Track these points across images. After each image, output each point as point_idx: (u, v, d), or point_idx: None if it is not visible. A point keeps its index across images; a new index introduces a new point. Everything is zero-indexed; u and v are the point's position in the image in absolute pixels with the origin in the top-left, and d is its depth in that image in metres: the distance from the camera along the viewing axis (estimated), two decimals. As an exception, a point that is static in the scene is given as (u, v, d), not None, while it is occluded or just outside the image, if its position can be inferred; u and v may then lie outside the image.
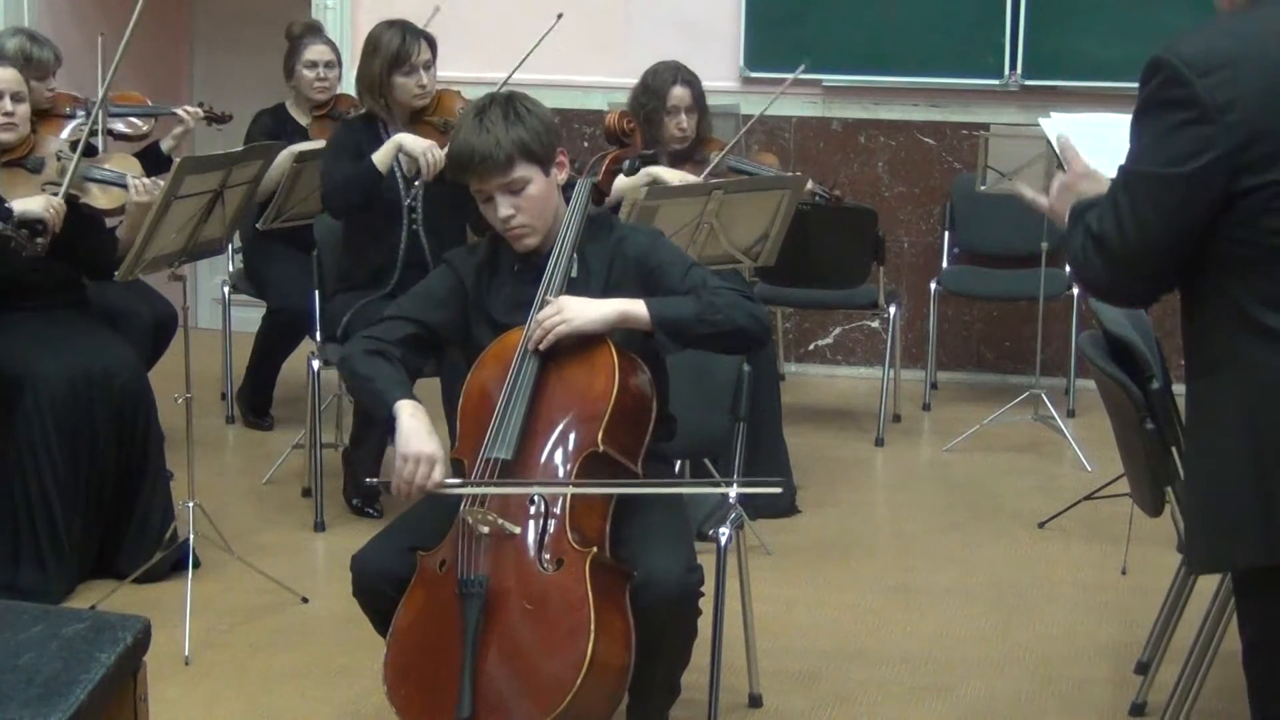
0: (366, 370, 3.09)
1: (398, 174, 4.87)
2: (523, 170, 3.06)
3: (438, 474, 2.94)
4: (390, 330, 3.17)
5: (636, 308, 3.01)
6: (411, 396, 3.04)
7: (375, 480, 2.88)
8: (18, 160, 4.42)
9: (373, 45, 4.91)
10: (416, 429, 2.96)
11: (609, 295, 3.10)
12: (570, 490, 2.92)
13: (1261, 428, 2.26)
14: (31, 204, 4.17)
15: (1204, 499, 2.36)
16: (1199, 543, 2.41)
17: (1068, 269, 6.41)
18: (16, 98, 4.40)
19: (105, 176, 4.46)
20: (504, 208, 3.08)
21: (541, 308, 3.04)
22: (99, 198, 4.45)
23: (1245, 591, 2.43)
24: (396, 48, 4.85)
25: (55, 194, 4.26)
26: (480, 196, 3.12)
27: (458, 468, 3.08)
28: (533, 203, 3.09)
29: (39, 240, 4.18)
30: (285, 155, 5.35)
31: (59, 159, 4.44)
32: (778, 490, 2.97)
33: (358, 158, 4.84)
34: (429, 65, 4.93)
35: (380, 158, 4.79)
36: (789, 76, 5.34)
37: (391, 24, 4.94)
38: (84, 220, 4.40)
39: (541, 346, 3.01)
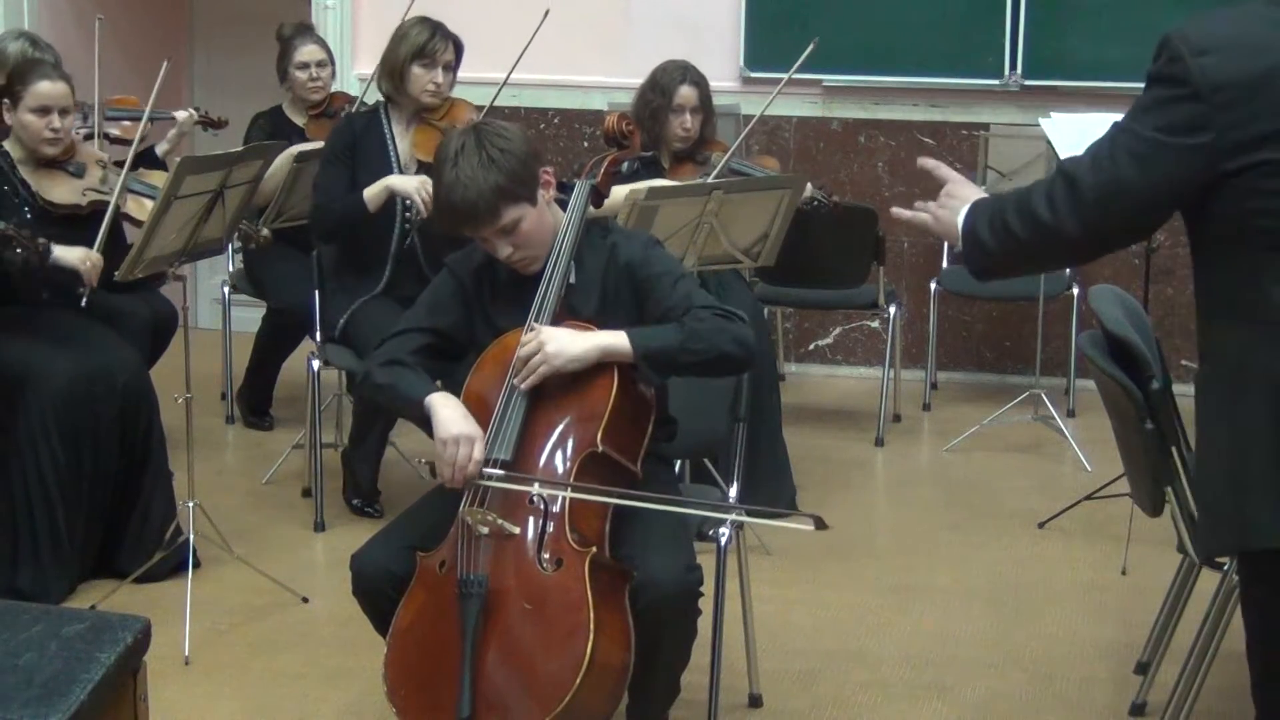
0: (386, 379, 3.12)
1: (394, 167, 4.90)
2: (510, 213, 3.05)
3: (478, 451, 2.95)
4: (402, 344, 3.18)
5: (619, 341, 3.00)
6: (438, 390, 3.07)
7: (423, 460, 2.93)
8: (59, 163, 4.46)
9: (401, 33, 4.99)
10: (452, 415, 2.99)
11: (606, 303, 3.14)
12: (568, 494, 2.92)
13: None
14: (70, 255, 4.25)
15: (1221, 480, 2.35)
16: (1214, 526, 2.41)
17: (1068, 270, 6.42)
18: (64, 112, 4.44)
19: (151, 191, 4.51)
20: (502, 249, 3.10)
21: (529, 330, 3.04)
22: (145, 210, 4.50)
23: (1256, 577, 2.43)
24: (424, 40, 4.92)
25: (97, 197, 4.38)
26: (476, 238, 3.14)
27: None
28: (528, 236, 3.10)
29: (40, 241, 4.19)
30: (285, 157, 5.36)
31: (101, 167, 4.48)
32: (809, 527, 2.83)
33: (350, 163, 4.88)
34: (449, 67, 4.97)
35: (370, 196, 4.81)
36: (788, 72, 5.29)
37: (425, 20, 5.00)
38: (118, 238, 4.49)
39: (524, 386, 3.01)
